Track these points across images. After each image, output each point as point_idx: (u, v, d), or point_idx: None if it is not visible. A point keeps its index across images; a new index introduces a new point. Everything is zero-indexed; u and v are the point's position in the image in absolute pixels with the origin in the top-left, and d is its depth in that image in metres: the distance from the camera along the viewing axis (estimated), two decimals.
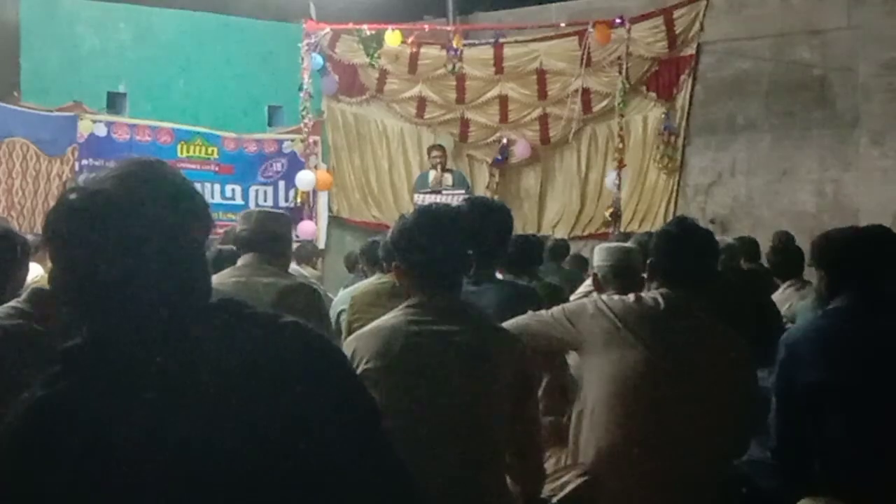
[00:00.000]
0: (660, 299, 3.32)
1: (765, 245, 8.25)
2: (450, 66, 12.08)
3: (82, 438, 1.50)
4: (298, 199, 11.58)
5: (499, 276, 4.21)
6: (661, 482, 3.20)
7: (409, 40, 11.87)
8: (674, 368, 3.22)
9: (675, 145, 11.95)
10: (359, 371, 2.73)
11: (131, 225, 1.52)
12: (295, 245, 7.83)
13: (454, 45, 11.80)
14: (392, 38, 11.48)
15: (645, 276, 3.66)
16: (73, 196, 1.56)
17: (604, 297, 3.52)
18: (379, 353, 2.81)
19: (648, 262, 3.51)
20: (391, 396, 2.69)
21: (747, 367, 3.37)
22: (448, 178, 11.47)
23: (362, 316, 4.52)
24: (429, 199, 9.94)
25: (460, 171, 12.15)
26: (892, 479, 3.19)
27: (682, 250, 3.40)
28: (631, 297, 3.38)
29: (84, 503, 1.49)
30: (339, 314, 5.51)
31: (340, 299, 5.89)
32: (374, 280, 5.45)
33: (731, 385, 3.27)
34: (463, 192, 10.73)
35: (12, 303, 3.14)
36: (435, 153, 11.61)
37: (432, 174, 11.49)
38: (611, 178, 11.37)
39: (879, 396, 3.21)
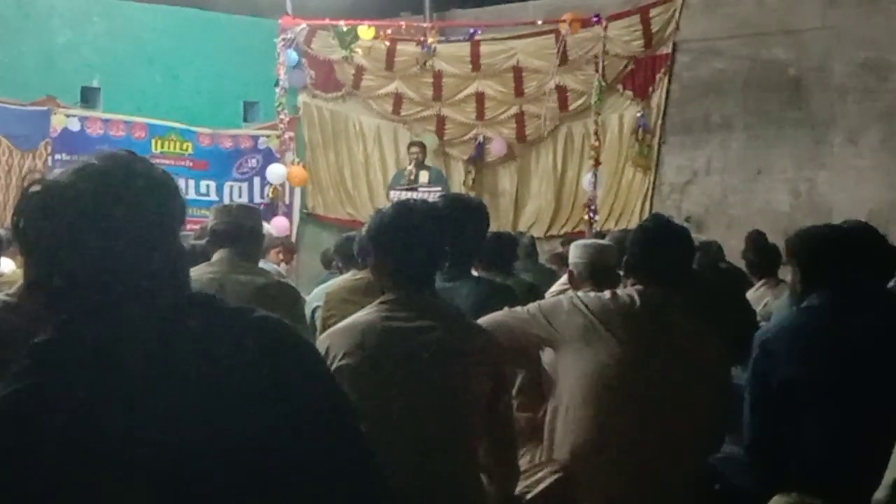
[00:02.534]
0: (635, 296, 3.32)
1: (739, 244, 8.27)
2: (423, 63, 12.03)
3: (55, 436, 1.47)
4: (272, 195, 11.54)
5: (474, 272, 4.20)
6: (636, 478, 3.20)
7: (385, 34, 11.84)
8: (649, 365, 3.22)
9: (650, 144, 11.98)
10: (333, 367, 2.71)
11: (93, 216, 1.51)
12: None
13: (428, 42, 11.77)
14: (366, 31, 11.44)
15: (621, 272, 3.66)
16: (34, 188, 1.55)
17: (580, 293, 3.53)
18: (353, 348, 2.80)
19: (624, 258, 3.52)
20: (366, 392, 2.68)
21: (722, 364, 3.38)
22: (424, 175, 11.46)
23: (337, 313, 4.49)
24: (404, 195, 9.93)
25: (438, 168, 12.14)
26: (864, 476, 3.20)
27: (658, 247, 3.41)
28: (607, 293, 3.38)
29: (58, 500, 1.47)
30: (313, 311, 5.48)
31: (315, 296, 5.85)
32: (348, 277, 5.43)
33: (706, 382, 3.28)
34: (439, 189, 10.73)
35: (0, 296, 3.06)
36: (414, 149, 11.61)
37: (408, 169, 11.49)
38: (588, 178, 11.39)
39: (853, 394, 3.22)
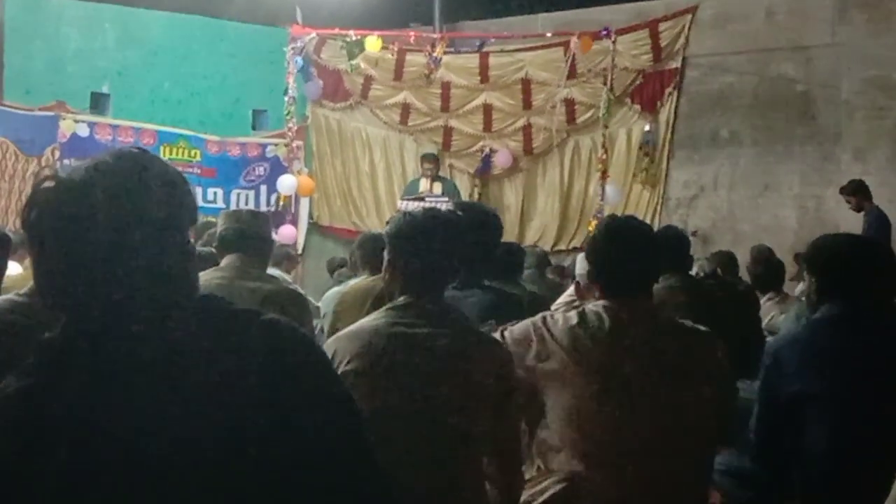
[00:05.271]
0: (603, 314, 3.09)
1: (745, 259, 8.26)
2: (428, 74, 12.01)
3: (62, 432, 1.47)
4: (280, 204, 11.56)
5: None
6: (643, 491, 3.16)
7: (393, 46, 11.85)
8: (629, 386, 3.07)
9: (656, 159, 11.97)
10: (339, 371, 2.71)
11: (105, 213, 1.50)
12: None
13: (435, 54, 11.76)
14: (372, 43, 11.40)
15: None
16: (47, 183, 1.54)
17: (548, 320, 3.19)
18: (360, 353, 2.79)
19: (587, 271, 3.27)
20: (371, 397, 2.68)
21: (713, 366, 3.21)
22: (438, 187, 11.46)
23: (344, 319, 4.48)
24: (412, 205, 9.93)
25: (452, 180, 12.14)
26: (869, 491, 3.19)
27: (616, 251, 3.13)
28: (573, 317, 3.12)
29: (64, 498, 1.47)
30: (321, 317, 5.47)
31: (324, 303, 5.85)
32: (354, 283, 5.40)
33: (695, 387, 3.10)
34: (447, 200, 10.73)
35: (11, 296, 3.05)
36: (427, 165, 11.60)
37: (423, 183, 11.49)
38: (607, 189, 11.38)
39: (860, 408, 3.21)
